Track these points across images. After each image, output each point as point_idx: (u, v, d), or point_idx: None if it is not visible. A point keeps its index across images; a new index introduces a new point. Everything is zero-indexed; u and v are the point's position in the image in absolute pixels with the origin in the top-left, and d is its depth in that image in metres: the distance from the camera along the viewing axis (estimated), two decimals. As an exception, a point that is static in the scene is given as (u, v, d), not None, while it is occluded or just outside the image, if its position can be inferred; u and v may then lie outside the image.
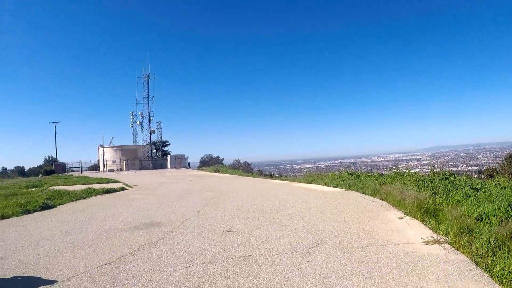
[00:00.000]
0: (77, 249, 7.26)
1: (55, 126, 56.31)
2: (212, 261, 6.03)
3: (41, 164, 57.20)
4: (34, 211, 12.33)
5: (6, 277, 5.68)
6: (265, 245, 6.92)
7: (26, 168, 54.63)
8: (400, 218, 8.79)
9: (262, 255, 6.29)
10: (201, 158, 66.78)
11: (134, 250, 6.98)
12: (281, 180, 23.64)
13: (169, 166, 54.73)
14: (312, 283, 4.85)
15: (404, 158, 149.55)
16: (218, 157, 65.35)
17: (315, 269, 5.43)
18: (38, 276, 5.68)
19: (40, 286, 5.20)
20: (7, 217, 11.07)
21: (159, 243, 7.47)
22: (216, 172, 35.61)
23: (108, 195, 17.12)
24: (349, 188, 14.88)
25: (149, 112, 57.93)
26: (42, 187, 21.17)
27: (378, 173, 20.92)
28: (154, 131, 59.46)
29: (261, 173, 39.11)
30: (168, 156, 58.60)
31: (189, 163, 58.50)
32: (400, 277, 4.92)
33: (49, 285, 5.21)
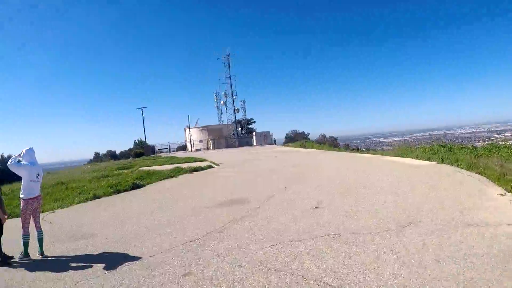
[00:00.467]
0: (164, 226, 7.61)
1: (142, 111, 60.76)
2: (300, 239, 5.83)
3: (131, 147, 62.31)
4: (124, 190, 13.40)
5: (94, 254, 6.12)
6: (354, 222, 6.53)
7: (117, 152, 60.10)
8: (501, 195, 7.66)
9: (352, 233, 5.92)
10: (286, 134, 66.95)
11: (220, 227, 7.07)
12: (369, 154, 22.71)
13: (254, 144, 55.74)
14: (408, 266, 4.36)
15: (498, 129, 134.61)
16: (303, 132, 64.98)
17: (409, 251, 4.90)
18: (124, 252, 6.04)
19: (126, 262, 5.49)
20: (99, 197, 12.17)
21: (245, 220, 7.49)
22: (301, 148, 35.45)
23: (195, 173, 17.87)
24: (442, 161, 13.70)
25: (232, 92, 59.79)
26: (132, 168, 22.89)
27: (472, 145, 19.41)
28: (238, 110, 61.17)
29: (347, 148, 38.17)
30: (254, 133, 59.64)
31: (274, 140, 58.98)
32: (506, 264, 4.18)
33: (134, 261, 5.49)
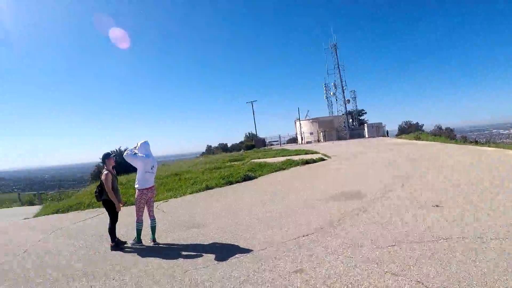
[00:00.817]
0: (275, 219, 7.54)
1: (252, 105, 63.17)
2: (420, 241, 5.24)
3: (242, 140, 64.90)
4: (236, 182, 13.80)
5: (205, 243, 6.24)
6: (479, 225, 5.71)
7: (229, 145, 62.86)
8: None
9: (477, 237, 5.15)
10: (399, 125, 63.82)
11: (333, 222, 6.75)
12: (490, 147, 20.09)
13: (366, 135, 54.03)
14: None
15: None
16: (417, 123, 61.30)
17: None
18: (235, 244, 6.07)
19: (236, 254, 5.51)
20: (211, 188, 12.65)
21: (358, 215, 7.06)
22: (416, 140, 33.25)
23: (307, 165, 17.71)
24: None
25: (341, 82, 58.87)
26: (243, 160, 23.53)
27: None
28: (348, 101, 59.88)
29: (465, 140, 34.76)
30: (365, 125, 57.88)
31: (387, 131, 56.45)
32: None
33: (244, 254, 5.47)
